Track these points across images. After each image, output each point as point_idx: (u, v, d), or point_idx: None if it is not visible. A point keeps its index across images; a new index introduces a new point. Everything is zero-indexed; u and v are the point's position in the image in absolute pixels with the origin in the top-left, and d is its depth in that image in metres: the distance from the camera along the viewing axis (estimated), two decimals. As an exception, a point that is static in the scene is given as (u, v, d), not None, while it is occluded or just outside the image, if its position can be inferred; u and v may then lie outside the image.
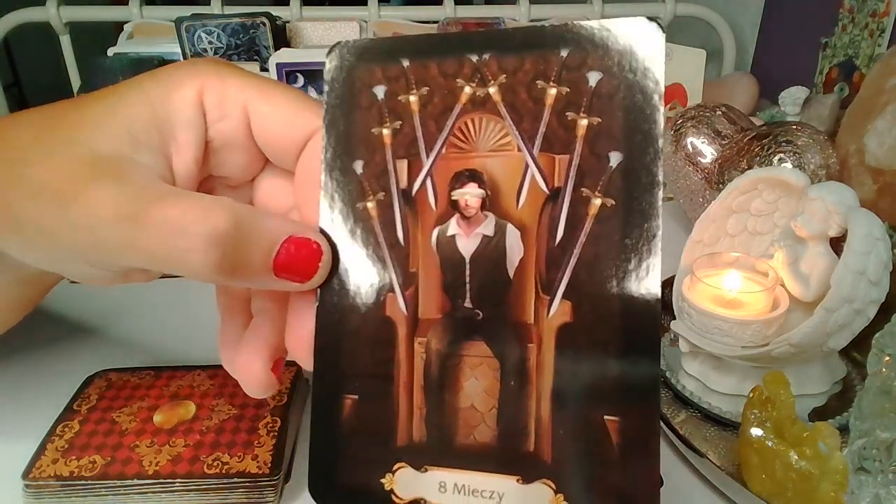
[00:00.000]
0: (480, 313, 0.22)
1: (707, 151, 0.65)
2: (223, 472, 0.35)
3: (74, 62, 1.11)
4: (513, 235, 0.22)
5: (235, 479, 0.35)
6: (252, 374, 0.24)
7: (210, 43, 0.96)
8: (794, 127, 0.59)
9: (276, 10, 1.03)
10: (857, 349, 0.45)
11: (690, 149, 0.66)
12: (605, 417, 0.20)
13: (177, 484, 0.35)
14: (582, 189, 0.21)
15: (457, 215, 0.22)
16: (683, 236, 0.49)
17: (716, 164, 0.64)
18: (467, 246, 0.22)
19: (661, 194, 0.20)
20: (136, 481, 0.34)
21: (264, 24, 0.96)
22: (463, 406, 0.22)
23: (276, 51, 0.93)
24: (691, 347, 0.45)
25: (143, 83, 0.23)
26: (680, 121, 0.67)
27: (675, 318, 0.46)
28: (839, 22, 0.92)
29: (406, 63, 0.23)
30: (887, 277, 0.39)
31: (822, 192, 0.42)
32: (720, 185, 0.62)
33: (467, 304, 0.22)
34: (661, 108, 0.20)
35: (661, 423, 0.41)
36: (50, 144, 0.21)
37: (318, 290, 0.23)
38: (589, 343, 0.20)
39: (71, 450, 0.36)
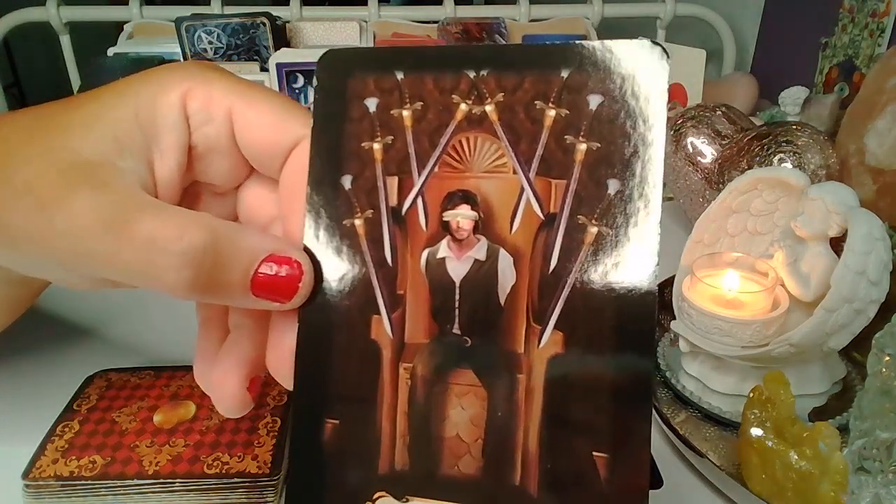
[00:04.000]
0: (469, 340, 0.21)
1: (707, 151, 0.65)
2: (223, 472, 0.35)
3: (74, 62, 1.11)
4: (505, 261, 0.21)
5: (235, 479, 0.35)
6: (227, 391, 0.23)
7: (210, 43, 0.96)
8: (794, 127, 0.59)
9: (276, 10, 1.03)
10: (857, 349, 0.45)
11: (690, 149, 0.66)
12: (594, 453, 0.19)
13: (177, 484, 0.35)
14: (578, 216, 0.20)
15: (448, 237, 0.21)
16: (683, 236, 0.49)
17: (716, 164, 0.64)
18: (458, 270, 0.21)
19: (659, 225, 0.19)
20: (136, 481, 0.34)
21: (264, 24, 0.96)
22: (448, 435, 0.21)
23: (276, 51, 0.93)
24: (691, 347, 0.45)
25: (131, 85, 0.23)
26: (680, 121, 0.67)
27: (675, 318, 0.46)
28: (839, 22, 0.92)
29: (401, 75, 0.22)
30: (887, 277, 0.39)
31: (822, 192, 0.42)
32: (720, 185, 0.62)
33: (456, 330, 0.21)
34: (664, 136, 0.19)
35: (662, 423, 0.41)
36: (38, 148, 0.21)
37: (301, 309, 0.22)
38: (580, 376, 0.20)
39: (71, 450, 0.36)
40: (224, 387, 0.23)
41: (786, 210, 0.47)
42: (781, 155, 0.57)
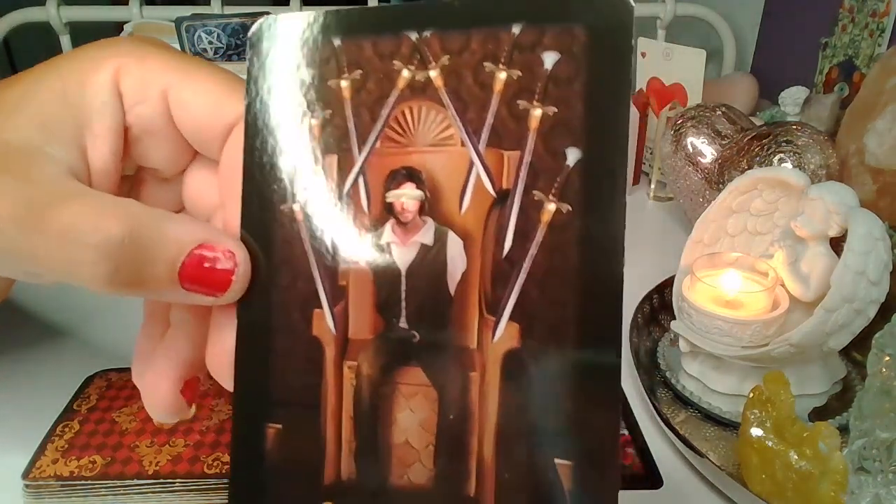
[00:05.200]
0: (417, 335, 0.19)
1: (707, 151, 0.65)
2: (223, 472, 0.35)
3: (74, 62, 1.11)
4: (455, 245, 0.19)
5: (235, 479, 0.35)
6: (158, 395, 0.22)
7: (210, 43, 0.96)
8: (794, 127, 0.59)
9: (276, 10, 1.03)
10: (857, 349, 0.45)
11: (690, 149, 0.66)
12: (556, 461, 0.17)
13: (177, 484, 0.35)
14: (534, 192, 0.18)
15: (392, 220, 0.19)
16: (683, 236, 0.49)
17: (716, 164, 0.64)
18: (403, 256, 0.19)
19: (625, 199, 0.17)
20: (136, 481, 0.34)
21: (264, 24, 0.95)
22: (396, 442, 0.19)
23: (276, 51, 0.93)
24: (691, 347, 0.45)
25: (60, 65, 0.21)
26: (680, 121, 0.67)
27: (675, 318, 0.46)
28: (839, 22, 0.92)
29: (337, 42, 0.20)
30: (887, 277, 0.39)
31: (822, 192, 0.42)
32: (720, 185, 0.62)
33: (402, 323, 0.19)
34: (629, 96, 0.17)
35: (662, 423, 0.41)
36: None
37: (238, 304, 0.20)
38: (539, 373, 0.18)
39: (71, 450, 0.36)
40: (156, 390, 0.22)
41: (786, 210, 0.47)
42: (781, 155, 0.57)
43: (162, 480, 0.34)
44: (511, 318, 0.18)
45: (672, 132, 0.68)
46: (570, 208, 0.18)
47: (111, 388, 0.42)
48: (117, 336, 0.52)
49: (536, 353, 0.18)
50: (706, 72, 0.79)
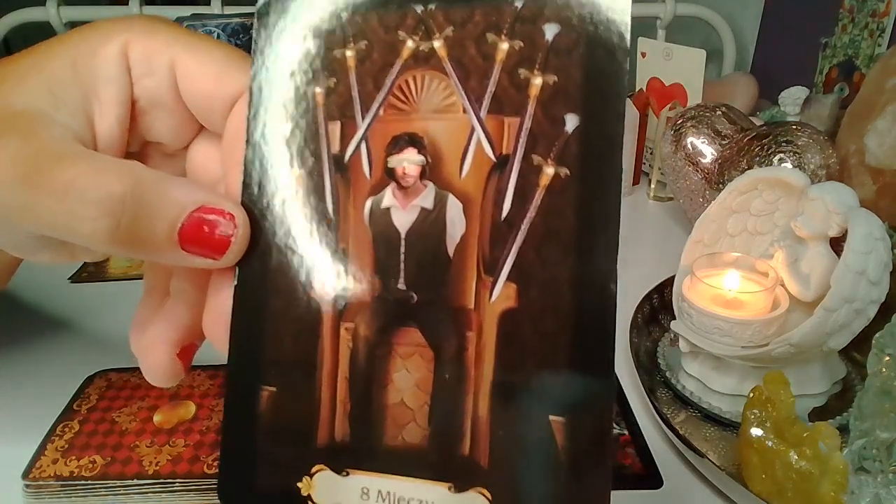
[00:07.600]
0: (415, 296, 0.19)
1: (707, 151, 0.65)
2: (223, 472, 0.35)
3: (74, 62, 1.11)
4: (454, 208, 0.19)
5: (235, 479, 0.35)
6: (154, 358, 0.22)
7: (210, 43, 0.96)
8: (794, 127, 0.59)
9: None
10: (857, 349, 0.45)
11: (690, 149, 0.66)
12: (551, 417, 0.18)
13: (177, 484, 0.35)
14: (533, 156, 0.18)
15: (393, 185, 0.20)
16: (683, 236, 0.49)
17: (716, 164, 0.64)
18: (403, 220, 0.20)
19: (621, 164, 0.18)
20: (136, 481, 0.34)
21: (264, 24, 0.95)
22: (392, 402, 0.19)
23: (276, 51, 0.93)
24: (691, 347, 0.45)
25: (72, 38, 0.22)
26: (680, 121, 0.67)
27: (675, 318, 0.46)
28: (839, 22, 0.92)
29: (344, 14, 0.20)
30: (887, 277, 0.39)
31: (822, 192, 0.42)
32: (720, 185, 0.62)
33: (401, 285, 0.20)
34: (626, 66, 0.18)
35: (662, 423, 0.41)
36: None
37: (237, 268, 0.21)
38: (534, 332, 0.18)
39: (71, 450, 0.36)
40: (152, 354, 0.22)
41: (786, 210, 0.47)
42: (781, 155, 0.57)
43: (162, 480, 0.34)
44: (508, 278, 0.19)
45: (672, 132, 0.68)
46: (568, 172, 0.18)
47: (111, 388, 0.42)
48: (117, 336, 0.52)
49: (532, 313, 0.18)
50: (706, 72, 0.79)
